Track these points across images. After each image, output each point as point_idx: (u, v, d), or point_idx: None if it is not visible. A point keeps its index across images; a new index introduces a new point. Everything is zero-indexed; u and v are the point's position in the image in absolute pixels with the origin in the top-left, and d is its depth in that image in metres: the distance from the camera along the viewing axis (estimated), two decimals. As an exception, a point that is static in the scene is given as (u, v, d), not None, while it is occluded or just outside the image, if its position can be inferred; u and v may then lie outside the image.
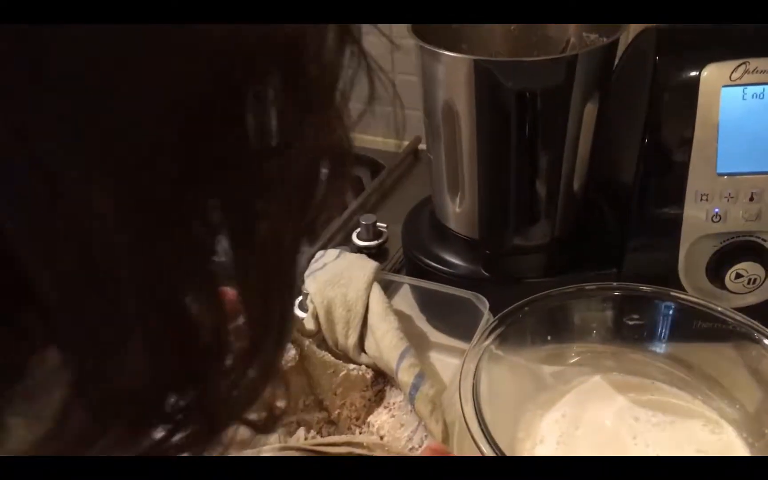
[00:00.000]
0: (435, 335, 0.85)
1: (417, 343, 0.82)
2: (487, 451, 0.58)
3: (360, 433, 0.68)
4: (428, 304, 0.85)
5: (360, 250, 0.95)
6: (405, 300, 0.88)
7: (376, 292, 0.76)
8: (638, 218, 0.75)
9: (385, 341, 0.69)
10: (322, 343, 0.74)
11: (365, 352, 0.73)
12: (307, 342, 0.69)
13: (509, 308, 0.73)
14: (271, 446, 0.58)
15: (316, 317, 0.74)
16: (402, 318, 0.86)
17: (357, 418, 0.69)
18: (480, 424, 0.61)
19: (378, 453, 0.58)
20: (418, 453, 0.61)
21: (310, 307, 0.75)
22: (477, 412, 0.62)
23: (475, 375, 0.67)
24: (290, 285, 0.28)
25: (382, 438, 0.67)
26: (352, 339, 0.73)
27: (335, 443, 0.59)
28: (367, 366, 0.72)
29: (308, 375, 0.69)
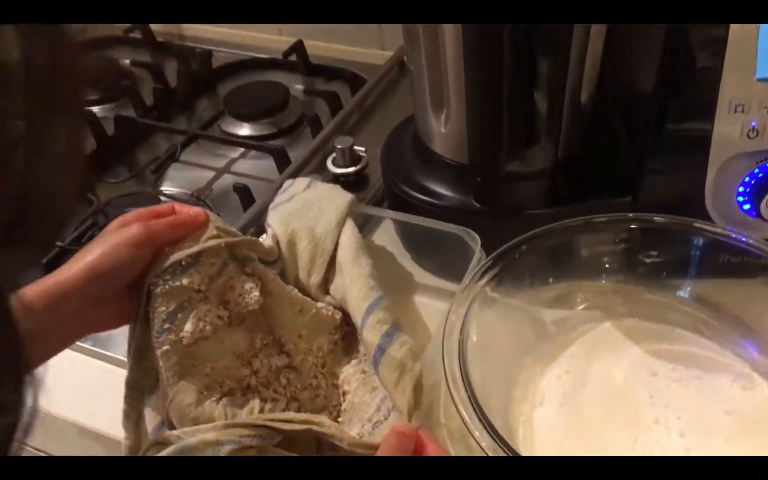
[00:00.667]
0: (421, 276, 0.74)
1: (400, 286, 0.71)
2: (474, 423, 0.48)
3: (324, 382, 0.58)
4: (413, 240, 0.74)
5: (336, 178, 0.84)
6: (387, 235, 0.77)
7: (349, 229, 0.65)
8: (658, 136, 0.63)
9: (354, 289, 0.58)
10: (278, 263, 0.63)
11: (330, 295, 0.62)
12: (272, 274, 0.58)
13: (504, 246, 0.62)
14: (214, 425, 0.48)
15: (277, 243, 0.63)
16: (383, 257, 0.75)
17: (323, 366, 0.59)
18: (466, 389, 0.51)
19: (337, 438, 0.48)
20: (381, 430, 0.51)
21: (269, 231, 0.64)
22: (463, 374, 0.52)
23: (463, 326, 0.56)
24: None
25: (344, 394, 0.57)
26: (316, 278, 0.62)
27: (292, 421, 0.49)
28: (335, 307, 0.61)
29: (270, 313, 0.58)
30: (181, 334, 0.51)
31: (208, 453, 0.47)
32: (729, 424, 0.54)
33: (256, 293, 0.55)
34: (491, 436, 0.47)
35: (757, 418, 0.54)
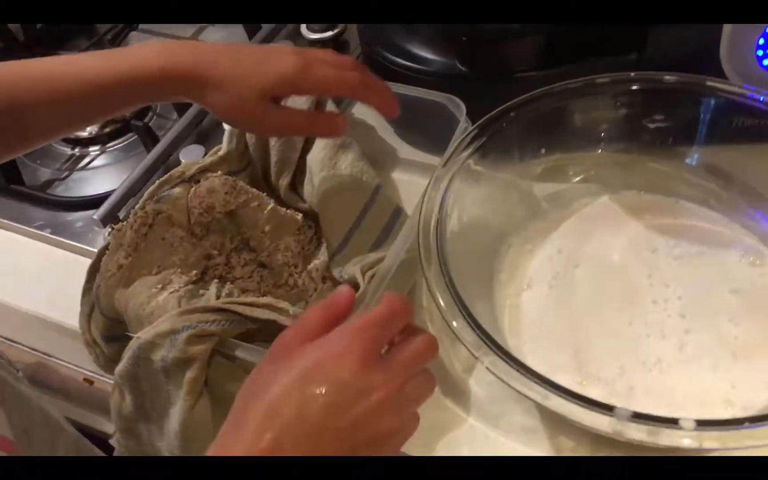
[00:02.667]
0: (405, 150, 0.68)
1: (381, 163, 0.66)
2: (450, 311, 0.44)
3: (300, 281, 0.54)
4: (395, 112, 0.68)
5: (311, 45, 0.76)
6: (368, 108, 0.70)
7: None
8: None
9: (330, 206, 0.53)
10: (247, 171, 0.57)
11: (302, 199, 0.57)
12: (238, 184, 0.53)
13: (491, 114, 0.56)
14: (169, 314, 0.43)
15: (238, 137, 0.57)
16: (363, 132, 0.69)
17: (295, 265, 0.54)
18: (443, 273, 0.46)
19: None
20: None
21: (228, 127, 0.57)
22: (440, 256, 0.47)
23: (442, 203, 0.51)
24: None
25: (324, 280, 0.53)
26: (286, 179, 0.57)
27: (254, 304, 0.44)
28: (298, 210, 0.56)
29: (237, 214, 0.53)
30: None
31: (166, 346, 0.43)
32: (734, 303, 0.50)
33: (209, 200, 0.52)
34: (470, 324, 0.42)
35: (766, 297, 0.50)
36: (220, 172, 0.54)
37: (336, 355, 0.33)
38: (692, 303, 0.50)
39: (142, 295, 0.45)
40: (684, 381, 0.46)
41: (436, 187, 0.52)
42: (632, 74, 0.57)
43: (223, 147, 0.56)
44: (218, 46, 0.48)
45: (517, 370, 0.40)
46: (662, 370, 0.46)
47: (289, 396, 0.33)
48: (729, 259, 0.52)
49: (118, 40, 0.80)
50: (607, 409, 0.38)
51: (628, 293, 0.51)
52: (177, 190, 0.52)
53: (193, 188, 0.52)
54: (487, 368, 0.41)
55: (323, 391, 0.32)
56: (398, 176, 0.65)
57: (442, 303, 0.44)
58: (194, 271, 0.48)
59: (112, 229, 0.50)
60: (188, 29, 0.84)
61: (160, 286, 0.46)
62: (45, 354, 0.64)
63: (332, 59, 0.49)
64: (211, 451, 0.33)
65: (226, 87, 0.46)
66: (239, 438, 0.33)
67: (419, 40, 0.63)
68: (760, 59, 0.58)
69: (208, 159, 0.55)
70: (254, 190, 0.53)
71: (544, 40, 0.59)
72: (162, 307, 0.45)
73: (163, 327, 0.42)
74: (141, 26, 0.83)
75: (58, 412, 0.49)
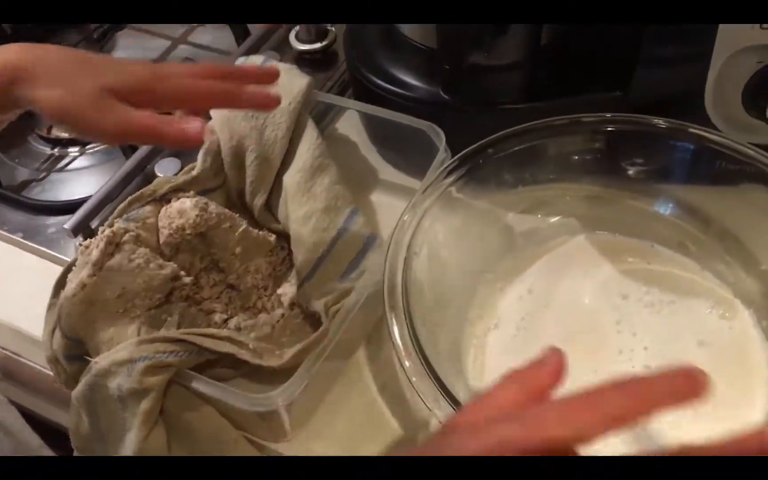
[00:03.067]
0: (387, 171, 0.68)
1: (361, 182, 0.65)
2: (404, 348, 0.43)
3: (269, 304, 0.54)
4: (378, 133, 0.68)
5: (299, 56, 0.75)
6: (352, 124, 0.70)
7: (309, 137, 0.58)
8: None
9: (302, 231, 0.52)
10: (221, 190, 0.57)
11: (276, 220, 0.57)
12: (211, 205, 0.53)
13: (472, 147, 0.55)
14: (127, 343, 0.43)
15: (213, 156, 0.56)
16: (345, 149, 0.68)
17: (265, 288, 0.54)
18: (404, 307, 0.45)
19: (265, 359, 0.44)
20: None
21: (208, 140, 0.57)
22: (404, 288, 0.46)
23: (414, 234, 0.50)
24: None
25: (292, 306, 0.53)
26: (261, 199, 0.56)
27: (214, 336, 0.44)
28: (271, 231, 0.56)
29: (208, 235, 0.53)
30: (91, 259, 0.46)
31: (123, 375, 0.43)
32: (700, 356, 0.49)
33: (180, 221, 0.51)
34: (424, 369, 0.42)
35: (733, 353, 0.49)
36: (192, 192, 0.53)
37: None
38: (658, 354, 0.49)
39: (102, 319, 0.45)
40: (643, 436, 0.45)
41: (411, 215, 0.51)
42: (618, 115, 0.56)
43: (197, 166, 0.55)
44: (54, 46, 0.43)
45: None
46: (622, 423, 0.46)
47: None
48: (699, 310, 0.52)
49: (105, 39, 0.80)
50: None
51: (595, 340, 0.51)
52: (147, 208, 0.52)
53: (163, 208, 0.52)
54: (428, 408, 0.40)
55: None
56: (377, 198, 0.65)
57: (398, 340, 0.44)
58: (158, 295, 0.48)
59: (80, 244, 0.50)
60: (178, 29, 0.83)
61: (121, 310, 0.46)
62: (14, 353, 0.64)
63: (189, 71, 0.45)
64: None
65: (58, 80, 0.41)
66: None
67: (404, 65, 0.63)
68: (746, 106, 0.58)
69: (181, 178, 0.54)
70: (227, 211, 0.53)
71: (528, 73, 0.59)
72: (121, 332, 0.44)
73: (119, 356, 0.42)
74: (129, 26, 0.83)
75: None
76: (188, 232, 0.51)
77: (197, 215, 0.51)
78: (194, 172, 0.55)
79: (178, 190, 0.53)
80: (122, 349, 0.43)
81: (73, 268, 0.49)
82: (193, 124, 0.41)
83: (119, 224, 0.49)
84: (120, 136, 0.43)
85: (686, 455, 0.27)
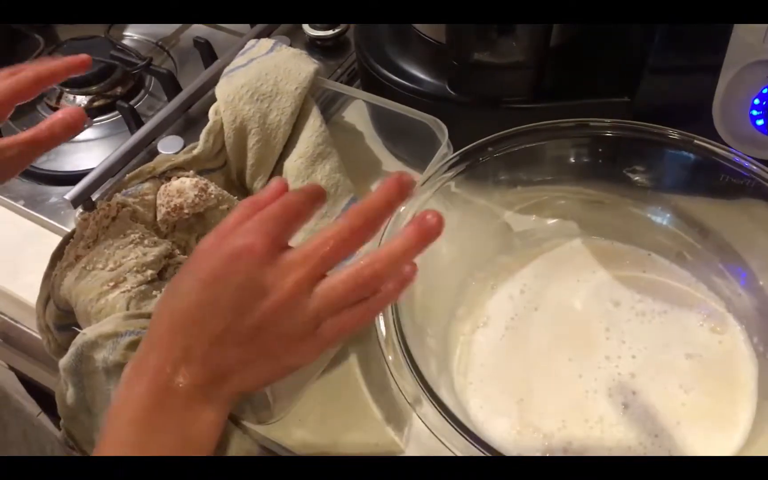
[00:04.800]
0: (390, 163, 0.68)
1: (365, 173, 0.65)
2: (390, 343, 0.44)
3: None
4: (384, 124, 0.67)
5: (312, 42, 0.75)
6: (359, 114, 0.70)
7: (312, 124, 0.58)
8: (667, 27, 0.54)
9: None
10: (221, 170, 0.57)
11: None
12: (210, 186, 0.53)
13: (474, 144, 0.55)
14: (114, 316, 0.44)
15: (215, 136, 0.57)
16: (350, 138, 0.69)
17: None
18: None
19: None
20: None
21: (212, 119, 0.57)
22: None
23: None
24: None
25: None
26: (261, 182, 0.57)
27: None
28: None
29: (200, 213, 0.53)
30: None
31: (108, 348, 0.43)
32: (687, 368, 0.49)
33: (178, 200, 0.52)
34: (408, 364, 0.42)
35: (720, 367, 0.49)
36: (192, 171, 0.54)
37: (234, 256, 0.33)
38: (645, 363, 0.49)
39: (94, 290, 0.46)
40: (623, 444, 0.46)
41: (408, 207, 0.51)
42: (624, 122, 0.56)
43: (199, 145, 0.56)
44: None
45: (447, 420, 0.40)
46: (603, 429, 0.46)
47: (194, 305, 0.33)
48: (690, 322, 0.52)
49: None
50: None
51: (583, 345, 0.51)
52: (146, 185, 0.52)
53: (163, 185, 0.52)
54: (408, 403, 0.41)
55: (223, 295, 0.33)
56: (378, 189, 0.65)
57: (383, 332, 0.44)
58: (150, 271, 0.48)
59: (79, 216, 0.50)
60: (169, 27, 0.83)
61: (112, 283, 0.46)
62: (13, 320, 0.65)
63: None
64: (129, 367, 0.34)
65: None
66: (153, 350, 0.34)
67: (413, 58, 0.63)
68: (753, 119, 0.57)
69: (182, 156, 0.55)
70: (225, 192, 0.53)
71: (535, 74, 0.58)
72: (111, 305, 0.45)
73: (106, 328, 0.43)
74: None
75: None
76: (186, 211, 0.51)
77: (196, 195, 0.51)
78: (195, 152, 0.55)
79: (178, 169, 0.54)
80: (109, 323, 0.44)
81: (71, 240, 0.50)
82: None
83: (116, 199, 0.50)
84: None
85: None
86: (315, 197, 0.37)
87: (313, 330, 0.34)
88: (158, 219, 0.52)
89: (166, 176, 0.53)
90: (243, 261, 0.33)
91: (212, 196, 0.53)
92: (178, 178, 0.53)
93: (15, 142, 0.44)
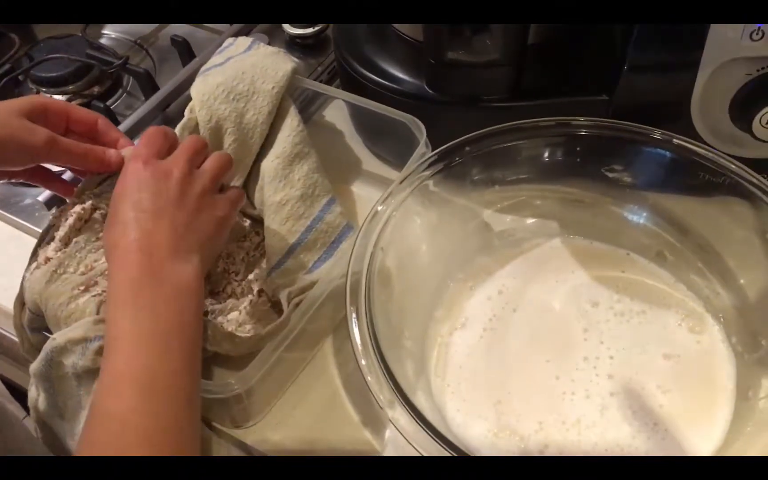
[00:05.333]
0: (370, 162, 0.67)
1: (344, 172, 0.65)
2: (365, 349, 0.43)
3: (239, 289, 0.53)
4: (363, 123, 0.67)
5: (292, 40, 0.75)
6: (339, 113, 0.70)
7: (290, 124, 0.57)
8: (645, 25, 0.53)
9: (276, 217, 0.52)
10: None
11: (252, 205, 0.56)
12: None
13: (452, 143, 0.55)
14: (83, 320, 0.43)
15: (191, 131, 0.56)
16: (330, 136, 0.68)
17: (236, 273, 0.54)
18: (366, 303, 0.45)
19: (223, 346, 0.44)
20: None
21: (187, 117, 0.57)
22: (368, 283, 0.46)
23: (383, 228, 0.50)
24: None
25: (260, 293, 0.52)
26: (238, 183, 0.56)
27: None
28: (246, 216, 0.55)
29: None
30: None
31: (78, 353, 0.43)
32: (665, 369, 0.49)
33: None
34: (379, 363, 0.42)
35: (699, 367, 0.49)
36: None
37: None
38: (623, 365, 0.49)
39: (64, 295, 0.45)
40: (600, 446, 0.45)
41: (385, 206, 0.51)
42: (603, 121, 0.56)
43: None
44: None
45: (420, 425, 0.39)
46: (580, 431, 0.46)
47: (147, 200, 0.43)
48: (669, 322, 0.52)
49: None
50: None
51: (561, 346, 0.50)
52: None
53: None
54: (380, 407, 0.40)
55: (146, 190, 0.43)
56: (359, 188, 0.64)
57: (357, 336, 0.43)
58: None
59: (52, 218, 0.50)
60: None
61: (83, 287, 0.45)
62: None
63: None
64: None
65: None
66: (115, 233, 0.41)
67: (391, 57, 0.62)
68: (731, 117, 0.57)
69: (156, 157, 0.54)
70: None
71: (513, 72, 0.58)
72: (81, 309, 0.44)
73: (75, 333, 0.42)
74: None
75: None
76: None
77: None
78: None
79: None
80: (78, 327, 0.43)
81: (43, 241, 0.49)
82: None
83: (89, 203, 0.49)
84: (51, 154, 0.48)
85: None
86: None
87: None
88: None
89: None
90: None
91: None
92: None
93: (68, 151, 0.48)
